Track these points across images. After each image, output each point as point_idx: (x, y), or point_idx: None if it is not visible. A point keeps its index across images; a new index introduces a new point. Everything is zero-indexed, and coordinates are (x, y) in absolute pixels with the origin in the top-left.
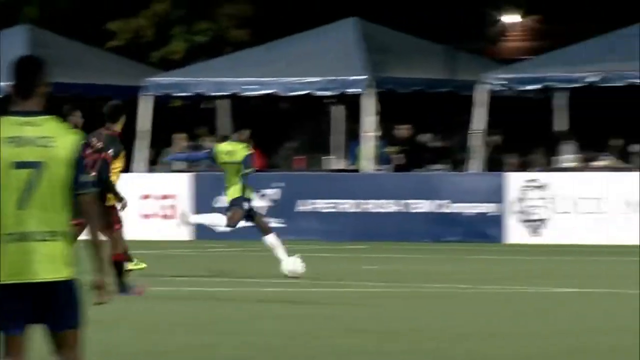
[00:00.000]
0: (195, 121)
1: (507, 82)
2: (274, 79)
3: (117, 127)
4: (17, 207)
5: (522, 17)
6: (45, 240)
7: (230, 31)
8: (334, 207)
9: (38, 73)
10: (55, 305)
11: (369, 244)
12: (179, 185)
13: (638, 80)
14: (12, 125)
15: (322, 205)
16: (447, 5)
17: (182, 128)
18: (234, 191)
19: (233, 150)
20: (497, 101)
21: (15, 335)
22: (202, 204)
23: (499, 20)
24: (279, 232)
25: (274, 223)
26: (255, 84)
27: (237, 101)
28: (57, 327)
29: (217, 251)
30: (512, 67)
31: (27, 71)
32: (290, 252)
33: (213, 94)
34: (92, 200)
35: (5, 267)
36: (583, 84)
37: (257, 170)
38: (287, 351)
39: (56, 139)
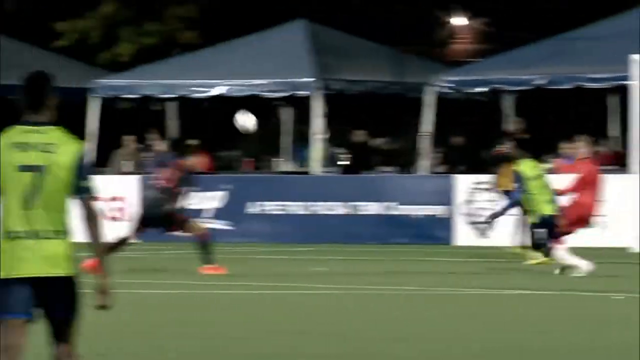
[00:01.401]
0: (144, 123)
1: (454, 85)
2: (223, 80)
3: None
4: (23, 207)
5: (469, 19)
6: (49, 239)
7: (179, 33)
8: (282, 209)
9: (46, 87)
10: (55, 298)
11: (317, 246)
12: (127, 187)
13: (586, 83)
14: (19, 133)
15: (271, 207)
16: (395, 8)
17: (131, 130)
18: None
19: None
20: (445, 103)
21: (15, 318)
22: None
23: (447, 22)
24: (227, 234)
25: (222, 225)
26: (204, 86)
27: (186, 103)
28: (55, 318)
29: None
30: (460, 70)
31: (36, 85)
32: (238, 254)
33: (161, 95)
34: (90, 204)
35: (10, 262)
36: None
37: (205, 173)
38: (238, 350)
39: (59, 146)
